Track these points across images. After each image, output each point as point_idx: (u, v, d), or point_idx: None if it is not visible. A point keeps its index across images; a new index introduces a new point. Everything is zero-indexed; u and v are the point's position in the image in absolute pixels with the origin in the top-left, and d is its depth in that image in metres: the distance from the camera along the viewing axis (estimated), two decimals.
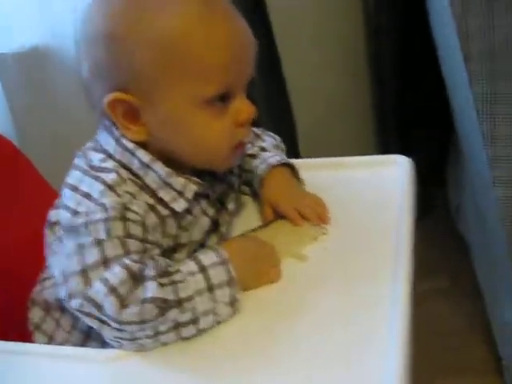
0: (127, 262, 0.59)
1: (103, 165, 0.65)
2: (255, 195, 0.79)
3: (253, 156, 0.80)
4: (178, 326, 0.59)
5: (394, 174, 0.79)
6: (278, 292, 0.64)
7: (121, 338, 0.59)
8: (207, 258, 0.62)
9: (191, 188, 0.66)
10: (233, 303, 0.61)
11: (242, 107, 0.65)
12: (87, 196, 0.63)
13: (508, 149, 1.06)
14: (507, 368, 1.25)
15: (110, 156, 0.65)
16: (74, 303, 0.59)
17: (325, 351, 0.56)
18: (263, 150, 0.80)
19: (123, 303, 0.57)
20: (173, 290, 0.58)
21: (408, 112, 1.70)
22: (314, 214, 0.73)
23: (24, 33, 1.37)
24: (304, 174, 0.79)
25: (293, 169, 0.79)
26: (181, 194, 0.66)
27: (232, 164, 0.72)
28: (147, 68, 0.62)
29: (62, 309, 0.71)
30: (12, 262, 0.84)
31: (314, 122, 1.70)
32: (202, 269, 0.60)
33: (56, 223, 0.66)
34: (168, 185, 0.65)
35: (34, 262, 0.75)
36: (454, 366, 1.31)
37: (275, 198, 0.75)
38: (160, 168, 0.65)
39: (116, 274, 0.58)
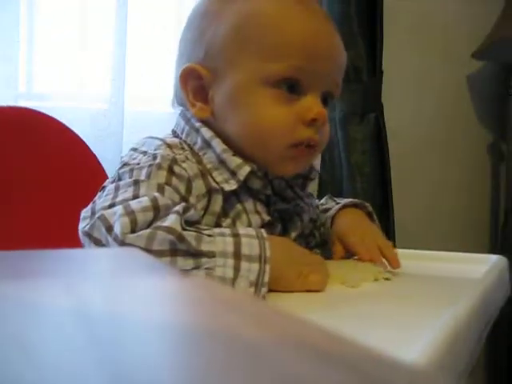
0: (157, 194, 0.54)
1: (169, 140, 0.64)
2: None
3: (327, 210, 0.76)
4: None
5: (483, 270, 0.70)
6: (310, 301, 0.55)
7: None
8: (244, 229, 0.56)
9: (245, 169, 0.62)
10: (258, 285, 0.51)
11: (312, 105, 0.62)
12: (143, 153, 0.62)
13: None
14: None
15: (177, 136, 0.66)
16: (87, 224, 0.54)
17: None
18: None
19: (135, 228, 0.51)
20: (196, 237, 0.51)
21: None
22: (382, 253, 0.66)
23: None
24: None
25: (368, 211, 0.74)
26: (234, 174, 0.62)
27: (290, 169, 0.65)
28: (220, 37, 0.63)
29: None
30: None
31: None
32: (235, 235, 0.53)
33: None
34: (223, 163, 0.62)
35: None
36: None
37: (345, 232, 0.70)
38: (218, 144, 0.63)
39: (140, 201, 0.53)
